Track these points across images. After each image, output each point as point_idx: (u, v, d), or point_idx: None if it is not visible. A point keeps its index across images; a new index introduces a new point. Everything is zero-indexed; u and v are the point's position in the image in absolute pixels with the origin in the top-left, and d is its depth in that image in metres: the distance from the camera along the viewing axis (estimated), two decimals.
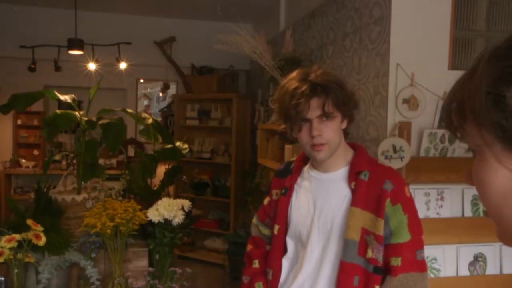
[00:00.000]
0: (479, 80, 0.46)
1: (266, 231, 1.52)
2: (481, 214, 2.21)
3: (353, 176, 1.31)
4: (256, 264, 1.49)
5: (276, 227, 1.43)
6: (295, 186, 1.42)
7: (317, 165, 1.38)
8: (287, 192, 1.42)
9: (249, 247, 1.56)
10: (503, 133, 0.44)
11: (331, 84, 1.26)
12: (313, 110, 1.25)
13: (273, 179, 1.53)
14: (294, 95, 1.26)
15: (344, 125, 1.33)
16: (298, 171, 1.44)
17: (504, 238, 0.51)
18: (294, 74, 1.33)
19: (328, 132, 1.27)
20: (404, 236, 1.26)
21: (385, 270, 1.27)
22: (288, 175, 1.46)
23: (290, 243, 1.41)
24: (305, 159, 1.45)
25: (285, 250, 1.42)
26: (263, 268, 1.47)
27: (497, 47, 0.46)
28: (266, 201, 1.54)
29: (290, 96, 1.26)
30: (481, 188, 0.50)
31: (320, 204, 1.34)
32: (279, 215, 1.42)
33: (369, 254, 1.25)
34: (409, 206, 1.29)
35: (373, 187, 1.28)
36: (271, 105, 3.68)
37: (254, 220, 1.59)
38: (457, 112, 0.50)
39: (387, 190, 1.26)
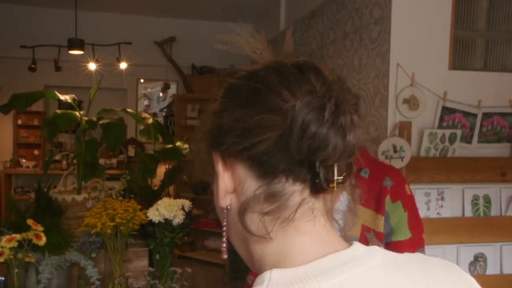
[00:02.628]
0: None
1: None
2: (481, 214, 2.21)
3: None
4: None
5: None
6: None
7: None
8: None
9: None
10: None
11: None
12: None
13: None
14: None
15: None
16: None
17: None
18: None
19: None
20: (404, 234, 1.26)
21: None
22: None
23: None
24: None
25: None
26: None
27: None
28: None
29: None
30: None
31: None
32: None
33: None
34: (410, 203, 1.29)
35: (373, 184, 1.28)
36: None
37: None
38: None
39: (387, 187, 1.26)
